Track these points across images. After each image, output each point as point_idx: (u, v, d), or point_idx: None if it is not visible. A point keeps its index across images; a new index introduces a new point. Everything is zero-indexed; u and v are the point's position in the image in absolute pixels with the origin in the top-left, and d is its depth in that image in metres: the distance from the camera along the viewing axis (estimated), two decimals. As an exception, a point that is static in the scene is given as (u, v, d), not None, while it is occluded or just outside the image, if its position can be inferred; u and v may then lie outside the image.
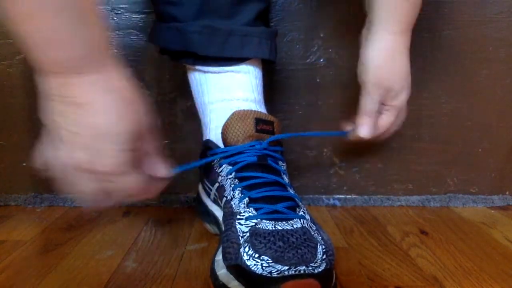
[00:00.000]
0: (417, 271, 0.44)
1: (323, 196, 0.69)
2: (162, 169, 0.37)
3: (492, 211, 0.67)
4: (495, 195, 0.71)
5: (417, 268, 0.45)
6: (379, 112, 0.49)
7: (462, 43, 0.66)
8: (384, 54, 0.46)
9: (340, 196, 0.69)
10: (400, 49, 0.47)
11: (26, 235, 0.53)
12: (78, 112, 0.31)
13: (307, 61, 0.65)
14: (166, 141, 0.66)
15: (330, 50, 0.65)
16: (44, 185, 0.67)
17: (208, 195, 0.52)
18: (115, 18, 0.63)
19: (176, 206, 0.65)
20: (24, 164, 0.66)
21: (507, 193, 0.72)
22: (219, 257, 0.38)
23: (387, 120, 0.50)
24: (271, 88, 0.66)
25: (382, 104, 0.48)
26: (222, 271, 0.36)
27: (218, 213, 0.47)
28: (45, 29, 0.28)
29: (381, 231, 0.56)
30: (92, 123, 0.31)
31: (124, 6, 0.63)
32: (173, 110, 0.66)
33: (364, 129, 0.48)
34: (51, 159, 0.35)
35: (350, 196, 0.70)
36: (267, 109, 0.52)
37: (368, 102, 0.48)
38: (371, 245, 0.51)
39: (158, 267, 0.44)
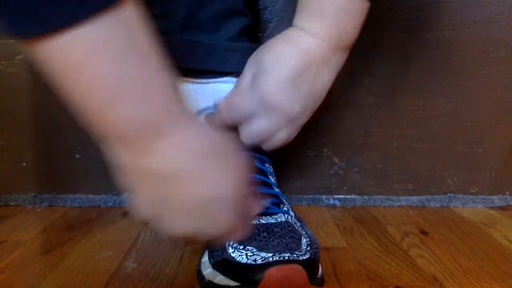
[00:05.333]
0: (417, 271, 0.44)
1: (323, 196, 0.69)
2: (256, 208, 0.34)
3: (492, 211, 0.67)
4: (495, 195, 0.71)
5: (417, 268, 0.45)
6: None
7: (462, 43, 0.66)
8: (302, 57, 0.37)
9: (340, 196, 0.69)
10: (325, 58, 0.37)
11: (26, 235, 0.53)
12: (169, 185, 0.25)
13: (307, 61, 0.65)
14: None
15: (330, 50, 0.65)
16: (44, 185, 0.67)
17: None
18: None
19: (176, 206, 0.65)
20: (24, 164, 0.66)
21: (507, 193, 0.72)
22: (205, 258, 0.38)
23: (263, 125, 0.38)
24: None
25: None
26: (208, 270, 0.37)
27: None
28: (106, 78, 0.21)
29: (381, 231, 0.56)
30: (187, 195, 0.26)
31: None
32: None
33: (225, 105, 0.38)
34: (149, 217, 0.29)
35: (350, 196, 0.70)
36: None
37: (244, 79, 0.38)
38: (371, 245, 0.51)
39: (158, 267, 0.44)
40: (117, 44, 0.21)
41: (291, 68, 0.37)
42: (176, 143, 0.25)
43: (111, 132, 0.24)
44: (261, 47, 0.41)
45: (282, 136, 0.40)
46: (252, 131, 0.39)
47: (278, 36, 0.40)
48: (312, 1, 0.38)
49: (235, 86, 0.42)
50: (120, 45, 0.21)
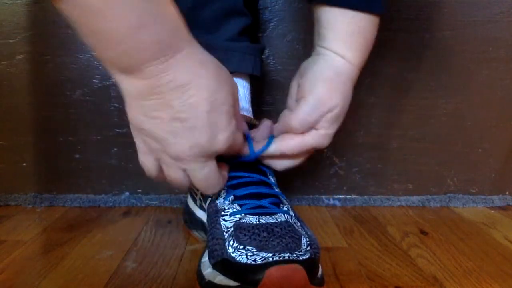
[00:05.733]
0: (417, 271, 0.44)
1: (323, 196, 0.69)
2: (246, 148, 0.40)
3: (492, 211, 0.67)
4: (495, 195, 0.71)
5: (417, 268, 0.45)
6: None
7: (462, 43, 0.66)
8: (334, 73, 0.42)
9: (340, 196, 0.69)
10: (351, 76, 0.43)
11: (26, 235, 0.53)
12: (183, 95, 0.30)
13: (307, 61, 0.65)
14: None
15: (330, 50, 0.65)
16: (44, 185, 0.67)
17: (195, 201, 0.52)
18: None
19: (176, 206, 0.65)
20: (24, 164, 0.66)
21: (507, 193, 0.72)
22: (205, 258, 0.38)
23: (315, 137, 0.42)
24: (271, 89, 0.66)
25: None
26: (208, 270, 0.37)
27: (204, 218, 0.48)
28: (129, 13, 0.26)
29: (381, 231, 0.56)
30: (201, 99, 0.31)
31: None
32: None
33: (289, 144, 0.42)
34: (152, 161, 0.35)
35: (350, 196, 0.70)
36: (267, 114, 0.52)
37: (309, 110, 0.41)
38: (371, 245, 0.51)
39: (158, 267, 0.44)
40: None
41: (347, 99, 0.42)
42: (185, 57, 0.30)
43: (134, 59, 0.28)
44: (310, 76, 0.43)
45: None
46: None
47: (324, 65, 0.42)
48: (349, 33, 0.41)
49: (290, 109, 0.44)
50: None
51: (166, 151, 0.33)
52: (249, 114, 0.51)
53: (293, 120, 0.41)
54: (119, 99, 0.65)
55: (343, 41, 0.42)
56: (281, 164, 0.45)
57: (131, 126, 0.34)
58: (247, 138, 0.42)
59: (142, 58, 0.29)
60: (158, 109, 0.31)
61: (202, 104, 0.31)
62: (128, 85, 0.31)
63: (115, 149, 0.66)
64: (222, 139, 0.33)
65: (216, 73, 0.32)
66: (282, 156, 0.43)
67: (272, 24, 0.64)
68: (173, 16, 0.29)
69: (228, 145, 0.34)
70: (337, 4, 0.40)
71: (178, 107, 0.31)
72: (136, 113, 0.32)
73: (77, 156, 0.66)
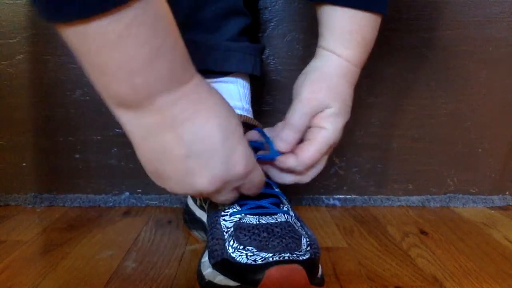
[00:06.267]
0: (417, 271, 0.44)
1: (323, 196, 0.69)
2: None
3: (492, 211, 0.67)
4: (495, 195, 0.71)
5: (417, 268, 0.45)
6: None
7: (462, 43, 0.66)
8: (328, 71, 0.42)
9: (340, 196, 0.69)
10: (346, 74, 0.42)
11: (26, 235, 0.53)
12: (194, 125, 0.30)
13: (307, 61, 0.65)
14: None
15: (330, 50, 0.65)
16: (44, 185, 0.67)
17: (195, 201, 0.52)
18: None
19: (176, 206, 0.65)
20: (24, 164, 0.66)
21: (507, 193, 0.72)
22: (205, 258, 0.38)
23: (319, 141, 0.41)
24: (271, 89, 0.66)
25: (315, 127, 0.42)
26: (208, 270, 0.37)
27: (204, 218, 0.48)
28: (146, 46, 0.26)
29: (381, 231, 0.56)
30: (214, 126, 0.30)
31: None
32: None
33: (282, 143, 0.41)
34: (185, 192, 0.33)
35: (350, 196, 0.70)
36: (267, 114, 0.52)
37: (297, 115, 0.41)
38: (371, 245, 0.51)
39: (158, 267, 0.44)
40: (149, 17, 0.25)
41: (349, 103, 0.43)
42: (194, 87, 0.30)
43: (147, 91, 0.27)
44: (299, 80, 0.43)
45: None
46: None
47: (314, 67, 0.43)
48: (347, 31, 0.41)
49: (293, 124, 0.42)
50: (153, 18, 0.26)
51: (190, 190, 0.32)
52: (249, 114, 0.51)
53: (288, 126, 0.41)
54: (119, 99, 0.64)
55: (341, 39, 0.41)
56: (307, 175, 0.43)
57: (149, 174, 0.32)
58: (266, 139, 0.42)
59: (155, 89, 0.28)
60: (170, 147, 0.30)
61: (216, 133, 0.30)
62: (136, 122, 0.29)
63: (115, 149, 0.66)
64: (238, 170, 0.32)
65: (223, 102, 0.32)
66: (309, 167, 0.42)
67: (272, 24, 0.64)
68: (183, 48, 0.29)
69: (247, 170, 0.33)
70: (338, 2, 0.40)
71: (191, 139, 0.30)
72: (148, 157, 0.31)
73: (77, 156, 0.66)
